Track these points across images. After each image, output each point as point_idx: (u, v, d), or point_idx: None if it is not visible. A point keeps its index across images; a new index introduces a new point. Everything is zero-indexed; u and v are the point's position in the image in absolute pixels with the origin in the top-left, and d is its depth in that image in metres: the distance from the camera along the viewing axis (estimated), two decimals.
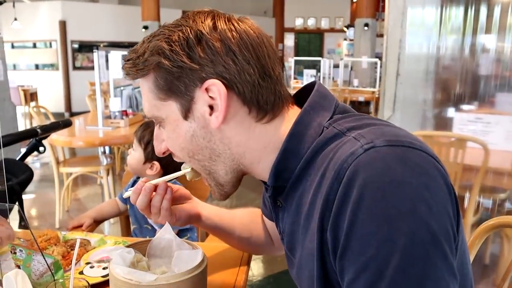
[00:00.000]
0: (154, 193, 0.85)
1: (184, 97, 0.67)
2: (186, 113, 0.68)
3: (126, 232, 1.79)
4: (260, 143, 0.70)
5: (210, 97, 0.66)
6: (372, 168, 0.55)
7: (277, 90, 0.69)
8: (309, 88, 0.75)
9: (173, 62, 0.65)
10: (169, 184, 0.87)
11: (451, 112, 3.93)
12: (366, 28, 10.07)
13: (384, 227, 0.53)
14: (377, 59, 8.14)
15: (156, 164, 1.59)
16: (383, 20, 11.90)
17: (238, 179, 0.75)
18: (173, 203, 0.89)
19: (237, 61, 0.66)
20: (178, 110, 0.69)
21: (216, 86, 0.65)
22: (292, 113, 0.72)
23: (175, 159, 0.77)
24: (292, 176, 0.69)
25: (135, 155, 1.61)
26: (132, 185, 1.64)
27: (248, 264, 1.12)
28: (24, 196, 3.97)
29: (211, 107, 0.67)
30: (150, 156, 1.58)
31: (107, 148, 4.20)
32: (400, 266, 0.52)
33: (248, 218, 1.08)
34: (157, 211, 0.85)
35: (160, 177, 1.51)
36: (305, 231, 0.68)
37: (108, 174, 3.51)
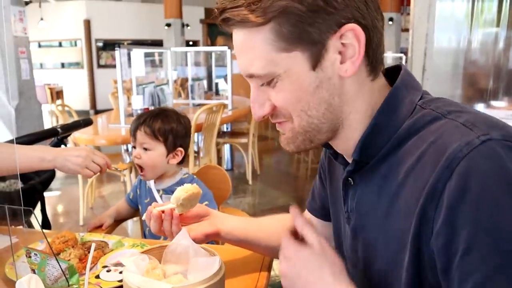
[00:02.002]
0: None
1: (316, 45, 0.61)
2: (316, 63, 0.62)
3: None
4: (365, 105, 0.66)
5: (342, 43, 0.61)
6: (493, 162, 0.52)
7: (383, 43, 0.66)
8: (393, 69, 0.71)
9: (306, 6, 0.58)
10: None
11: (480, 108, 3.79)
12: (390, 22, 9.86)
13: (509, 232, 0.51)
14: (402, 54, 7.95)
15: (181, 150, 1.50)
16: (408, 14, 11.62)
17: (327, 141, 0.71)
18: (189, 222, 0.90)
19: (369, 8, 0.62)
20: (306, 60, 0.62)
21: (354, 31, 0.60)
22: (384, 83, 0.68)
23: (273, 119, 0.69)
24: (378, 153, 0.65)
25: (154, 153, 1.46)
26: (139, 186, 1.62)
27: (269, 269, 1.07)
28: (50, 193, 4.06)
29: (340, 54, 0.62)
30: (172, 146, 1.48)
31: (129, 146, 4.22)
32: None
33: (277, 225, 1.01)
34: (170, 234, 0.88)
35: (180, 162, 1.49)
36: (388, 214, 0.64)
37: (131, 172, 3.52)
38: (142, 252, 0.81)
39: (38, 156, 1.23)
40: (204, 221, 0.93)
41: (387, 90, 0.67)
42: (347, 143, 0.70)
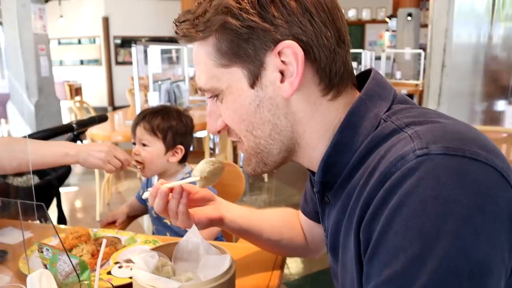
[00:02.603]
0: (171, 195, 0.81)
1: (253, 62, 0.60)
2: (254, 81, 0.61)
3: None
4: (321, 125, 0.64)
5: (282, 61, 0.59)
6: (420, 178, 0.48)
7: (347, 61, 0.63)
8: (365, 75, 0.67)
9: (242, 22, 0.58)
10: (186, 186, 0.82)
11: (502, 105, 3.69)
12: (409, 18, 9.69)
13: (416, 244, 0.47)
14: (421, 50, 7.80)
15: (181, 147, 1.48)
16: (427, 9, 11.42)
17: (285, 161, 0.68)
18: (193, 205, 0.85)
19: (314, 23, 0.59)
20: (244, 77, 0.61)
21: (291, 49, 0.58)
22: (354, 96, 0.65)
23: (230, 137, 0.70)
24: (342, 172, 0.63)
25: (152, 150, 1.44)
26: (147, 184, 1.62)
27: (281, 268, 1.06)
28: (67, 189, 4.11)
29: (281, 74, 0.60)
30: (171, 143, 1.46)
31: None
32: None
33: (280, 219, 1.01)
34: (175, 215, 0.81)
35: (182, 161, 1.48)
36: (347, 232, 0.62)
37: None
38: (152, 249, 0.80)
39: (62, 151, 1.26)
40: (208, 206, 0.91)
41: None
42: (311, 163, 0.68)
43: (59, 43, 11.77)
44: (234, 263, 0.75)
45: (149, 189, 0.81)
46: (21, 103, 5.01)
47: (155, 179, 1.54)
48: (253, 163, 0.68)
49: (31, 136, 1.57)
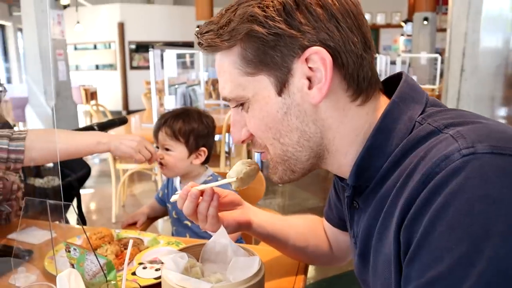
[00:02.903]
0: (201, 198, 0.80)
1: (280, 69, 0.60)
2: (282, 88, 0.60)
3: None
4: (351, 130, 0.63)
5: (310, 68, 0.59)
6: (467, 178, 0.47)
7: (373, 66, 0.62)
8: (394, 79, 0.66)
9: (268, 29, 0.58)
10: (216, 189, 0.82)
11: None
12: (425, 22, 9.61)
13: (463, 245, 0.45)
14: (437, 55, 7.73)
15: (204, 150, 1.48)
16: (443, 13, 11.33)
17: (314, 168, 0.67)
18: (222, 209, 0.84)
19: (341, 29, 0.58)
20: (271, 84, 0.61)
21: (319, 55, 0.58)
22: (383, 100, 0.64)
23: (254, 148, 0.69)
24: (376, 175, 0.61)
25: (175, 154, 1.45)
26: (167, 185, 1.62)
27: (305, 272, 1.04)
28: (83, 191, 4.14)
29: (309, 80, 0.60)
30: (194, 145, 1.46)
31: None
32: None
33: (305, 226, 1.00)
34: (204, 218, 0.80)
35: (204, 162, 1.48)
36: (380, 236, 0.61)
37: None
38: (180, 250, 0.79)
39: (95, 139, 1.30)
40: (236, 210, 0.90)
41: (385, 107, 0.62)
42: (340, 169, 0.67)
43: (75, 48, 11.95)
44: (263, 265, 0.74)
45: (177, 192, 0.81)
46: (39, 106, 5.08)
47: (177, 180, 1.54)
48: (279, 171, 0.67)
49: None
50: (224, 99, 0.66)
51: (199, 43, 0.65)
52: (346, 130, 0.63)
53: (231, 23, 0.60)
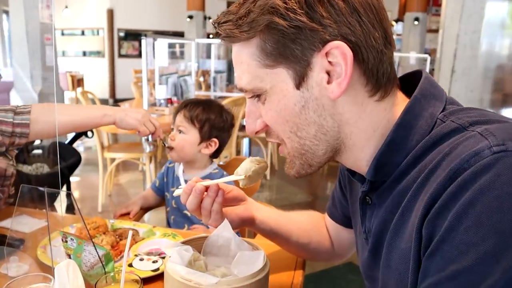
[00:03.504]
0: (205, 193, 0.79)
1: (299, 63, 0.59)
2: (300, 81, 0.59)
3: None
4: (370, 125, 0.62)
5: (329, 62, 0.58)
6: (497, 174, 0.47)
7: (392, 62, 0.61)
8: (413, 76, 0.66)
9: (289, 22, 0.56)
10: (221, 185, 0.80)
11: (510, 113, 3.68)
12: (416, 22, 9.68)
13: (490, 240, 0.46)
14: (426, 55, 7.80)
15: (215, 141, 1.50)
16: (433, 14, 11.42)
17: (329, 161, 0.67)
18: (225, 205, 0.83)
19: (363, 23, 0.57)
20: (290, 78, 0.60)
21: (340, 49, 0.57)
22: (401, 97, 0.64)
23: (269, 138, 0.68)
24: (395, 171, 0.61)
25: (187, 137, 1.47)
26: (167, 174, 1.60)
27: (303, 267, 1.04)
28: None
29: (328, 74, 0.59)
30: (207, 135, 1.48)
31: (150, 136, 4.22)
32: None
33: (307, 222, 0.99)
34: (208, 213, 0.79)
35: (214, 154, 1.48)
36: (397, 231, 0.60)
37: (150, 162, 3.52)
38: (183, 243, 0.78)
39: (100, 112, 1.31)
40: (240, 206, 0.89)
41: (404, 104, 0.62)
42: (356, 163, 0.66)
43: (62, 33, 11.72)
44: (268, 260, 0.73)
45: (181, 186, 0.79)
46: (25, 91, 4.97)
47: (179, 169, 1.53)
48: (297, 166, 0.67)
49: None
50: (241, 89, 0.65)
51: (216, 33, 0.63)
52: (364, 125, 0.62)
53: (250, 14, 0.58)
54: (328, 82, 0.59)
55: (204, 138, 1.48)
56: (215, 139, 1.50)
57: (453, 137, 0.55)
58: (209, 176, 1.51)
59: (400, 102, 0.63)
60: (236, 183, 0.80)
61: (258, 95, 0.64)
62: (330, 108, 0.61)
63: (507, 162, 0.48)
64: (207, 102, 1.54)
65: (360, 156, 0.64)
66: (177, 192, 0.80)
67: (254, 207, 0.91)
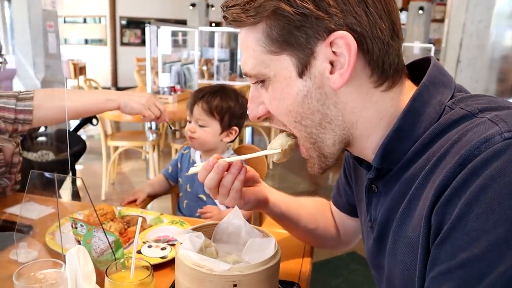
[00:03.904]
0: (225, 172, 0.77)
1: (303, 51, 0.58)
2: (303, 70, 0.59)
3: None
4: (375, 114, 0.61)
5: (333, 52, 0.57)
6: (508, 160, 0.47)
7: (400, 53, 0.60)
8: (421, 63, 0.65)
9: (295, 9, 0.56)
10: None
11: None
12: (420, 12, 9.59)
13: (501, 228, 0.45)
14: (431, 45, 7.74)
15: (236, 129, 1.50)
16: (438, 4, 11.31)
17: (342, 151, 0.66)
18: (243, 185, 0.81)
19: (369, 14, 0.56)
20: (293, 65, 0.59)
21: (345, 40, 0.56)
22: (409, 85, 0.63)
23: (272, 124, 0.68)
24: (402, 159, 0.61)
25: (208, 129, 1.45)
26: (181, 160, 1.60)
27: (311, 255, 1.04)
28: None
29: (331, 64, 0.58)
30: (227, 124, 1.47)
31: (153, 124, 4.22)
32: (508, 277, 0.45)
33: (315, 208, 1.00)
34: (226, 192, 0.77)
35: (231, 141, 1.48)
36: (403, 219, 0.60)
37: (154, 150, 3.52)
38: (193, 229, 0.78)
39: (104, 96, 1.29)
40: (255, 187, 0.88)
41: (411, 92, 0.61)
42: (363, 152, 0.66)
43: (64, 21, 11.64)
44: (279, 247, 0.73)
45: (196, 164, 0.78)
46: (28, 78, 4.96)
47: (196, 155, 1.54)
48: (315, 159, 0.66)
49: None
50: (245, 74, 0.65)
51: (224, 17, 0.63)
52: (369, 114, 0.62)
53: None
54: (331, 73, 0.58)
55: (225, 128, 1.48)
56: (235, 127, 1.50)
57: (462, 124, 0.55)
58: None
59: (408, 90, 0.62)
60: (248, 162, 0.78)
61: (262, 81, 0.64)
62: (332, 97, 0.60)
63: None
64: (222, 89, 1.50)
65: (366, 145, 0.64)
66: (192, 170, 0.78)
67: (268, 189, 0.90)
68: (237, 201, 0.78)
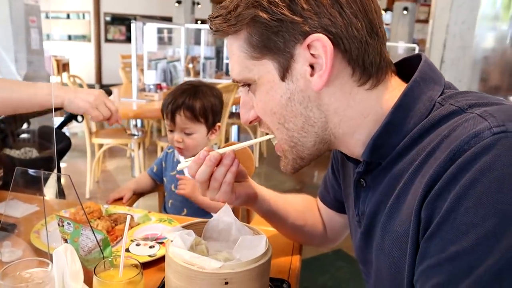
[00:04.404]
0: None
1: (283, 55, 0.60)
2: (284, 73, 0.61)
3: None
4: (359, 112, 0.62)
5: (312, 54, 0.59)
6: (497, 155, 0.47)
7: (382, 51, 0.61)
8: (411, 60, 0.66)
9: (271, 15, 0.58)
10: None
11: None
12: (405, 12, 9.71)
13: (491, 221, 0.46)
14: (415, 45, 7.84)
15: (219, 125, 1.48)
16: (422, 4, 11.44)
17: (321, 152, 0.68)
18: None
19: (344, 14, 0.58)
20: (275, 69, 0.61)
21: (320, 42, 0.57)
22: (396, 82, 0.64)
23: (261, 128, 0.69)
24: (390, 153, 0.61)
25: (196, 136, 1.42)
26: (165, 159, 1.58)
27: (300, 252, 1.04)
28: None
29: (311, 67, 0.59)
30: (212, 123, 1.45)
31: (138, 121, 4.18)
32: (496, 270, 0.46)
33: (302, 205, 1.00)
34: (218, 185, 0.76)
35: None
36: (391, 213, 0.60)
37: (139, 148, 3.48)
38: (183, 227, 0.77)
39: (45, 90, 1.13)
40: (244, 182, 0.87)
41: (400, 88, 0.62)
42: (348, 148, 0.67)
43: (47, 16, 11.42)
44: (270, 245, 0.73)
45: (187, 159, 0.77)
46: (10, 75, 4.85)
47: (181, 158, 1.51)
48: (290, 160, 0.68)
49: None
50: (233, 80, 0.68)
51: (210, 27, 0.66)
52: (353, 113, 0.63)
53: (237, 8, 0.60)
54: (311, 75, 0.60)
55: (210, 127, 1.46)
56: (218, 123, 1.48)
57: (452, 120, 0.55)
58: None
59: (395, 87, 0.63)
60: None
61: (248, 85, 0.66)
62: (315, 99, 0.61)
63: (507, 143, 0.48)
64: (197, 88, 1.44)
65: (350, 142, 0.65)
66: (181, 166, 0.77)
67: (255, 185, 0.90)
68: (228, 195, 0.77)
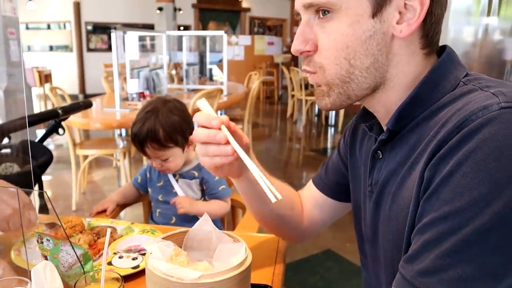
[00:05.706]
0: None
1: None
2: (377, 11, 0.61)
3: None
4: (413, 73, 0.66)
5: (405, 4, 0.61)
6: (500, 127, 0.51)
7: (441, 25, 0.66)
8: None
9: None
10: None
11: None
12: None
13: (484, 186, 0.49)
14: None
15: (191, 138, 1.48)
16: None
17: (363, 98, 0.69)
18: None
19: None
20: (369, 4, 0.61)
21: None
22: (435, 59, 0.67)
23: (306, 68, 0.67)
24: (410, 124, 0.65)
25: (172, 159, 1.43)
26: (149, 170, 1.57)
27: (284, 256, 1.05)
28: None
29: (400, 15, 0.62)
30: (184, 140, 1.43)
31: (123, 131, 4.15)
32: (482, 230, 0.49)
33: (287, 195, 0.95)
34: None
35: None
36: (402, 182, 0.64)
37: (124, 157, 3.46)
38: (163, 238, 0.77)
39: None
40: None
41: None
42: (384, 106, 0.69)
43: (27, 27, 11.31)
44: (250, 252, 0.73)
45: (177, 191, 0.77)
46: None
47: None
48: (334, 95, 0.67)
49: (15, 121, 1.50)
50: (310, 5, 0.64)
51: None
52: (408, 71, 0.65)
53: None
54: (397, 22, 0.61)
55: (184, 144, 1.45)
56: (191, 137, 1.45)
57: (468, 96, 0.59)
58: (197, 167, 1.52)
59: (434, 63, 0.66)
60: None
61: (325, 11, 0.63)
62: (388, 46, 0.63)
63: (511, 117, 0.51)
64: (156, 113, 1.40)
65: (391, 100, 0.67)
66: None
67: (253, 157, 0.85)
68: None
